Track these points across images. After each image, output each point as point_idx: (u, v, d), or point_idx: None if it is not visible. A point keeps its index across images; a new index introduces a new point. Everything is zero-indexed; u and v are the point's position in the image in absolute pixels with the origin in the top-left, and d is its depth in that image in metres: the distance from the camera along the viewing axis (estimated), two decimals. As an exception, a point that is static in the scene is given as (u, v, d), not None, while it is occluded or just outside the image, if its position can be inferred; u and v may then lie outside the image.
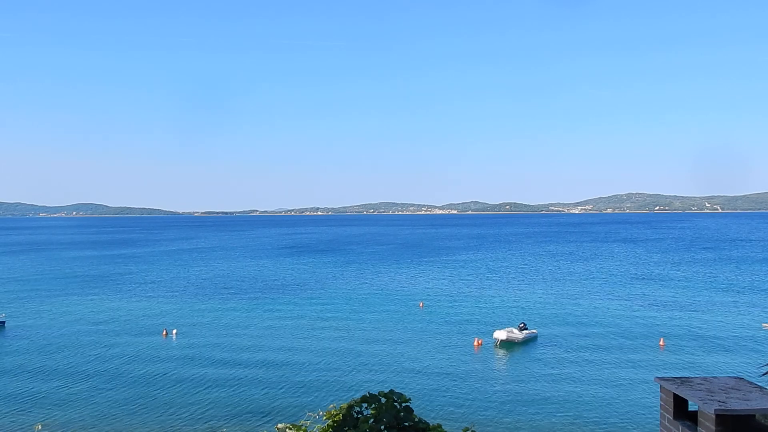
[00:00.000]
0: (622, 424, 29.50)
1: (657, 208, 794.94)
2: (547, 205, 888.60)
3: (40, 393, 35.10)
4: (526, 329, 47.24)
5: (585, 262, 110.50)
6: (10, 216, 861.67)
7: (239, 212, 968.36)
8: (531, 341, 46.47)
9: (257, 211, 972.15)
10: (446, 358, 42.16)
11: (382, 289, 76.74)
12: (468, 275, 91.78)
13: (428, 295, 70.90)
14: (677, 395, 5.25)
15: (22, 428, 29.34)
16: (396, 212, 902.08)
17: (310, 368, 39.82)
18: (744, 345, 45.10)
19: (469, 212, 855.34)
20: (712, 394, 5.00)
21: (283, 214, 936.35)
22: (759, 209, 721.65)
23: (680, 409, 5.32)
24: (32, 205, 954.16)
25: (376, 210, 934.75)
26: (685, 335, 48.34)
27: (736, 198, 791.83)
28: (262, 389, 35.41)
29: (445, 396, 33.82)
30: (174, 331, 50.77)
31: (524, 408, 31.87)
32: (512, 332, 46.30)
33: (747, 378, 5.59)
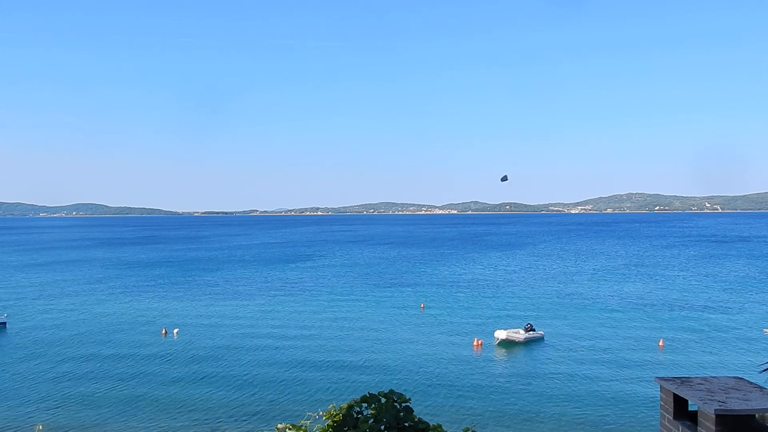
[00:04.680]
0: (622, 425, 29.51)
1: (657, 208, 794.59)
2: (547, 205, 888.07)
3: (41, 393, 35.10)
4: (533, 330, 47.13)
5: (585, 262, 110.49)
6: (10, 216, 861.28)
7: (239, 212, 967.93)
8: (532, 342, 46.39)
9: (257, 211, 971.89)
10: (446, 358, 42.15)
11: (381, 289, 76.73)
12: (469, 275, 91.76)
13: (429, 295, 70.90)
14: (677, 395, 5.25)
15: (22, 428, 29.34)
16: (396, 212, 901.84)
17: (310, 368, 39.82)
18: (744, 345, 45.10)
19: (469, 212, 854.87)
20: (712, 394, 5.00)
21: (283, 214, 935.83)
22: (759, 209, 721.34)
23: (680, 409, 5.32)
24: (32, 205, 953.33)
25: (376, 210, 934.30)
26: (685, 335, 48.35)
27: (736, 198, 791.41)
28: (262, 389, 35.41)
29: (445, 396, 33.81)
30: (175, 331, 50.78)
31: (524, 408, 31.87)
32: (513, 333, 46.25)
33: (747, 378, 5.60)
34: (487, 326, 51.34)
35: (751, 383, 5.36)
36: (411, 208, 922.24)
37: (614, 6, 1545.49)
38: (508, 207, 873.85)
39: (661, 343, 45.25)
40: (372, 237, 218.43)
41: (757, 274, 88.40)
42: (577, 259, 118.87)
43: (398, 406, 6.71)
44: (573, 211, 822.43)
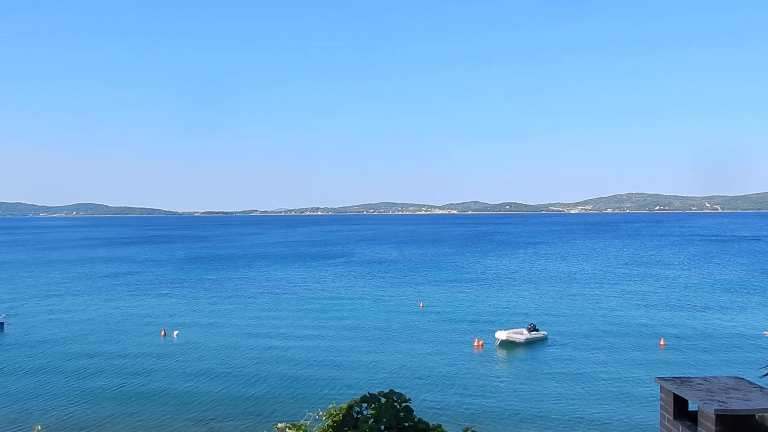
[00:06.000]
0: (622, 425, 29.50)
1: (657, 208, 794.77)
2: (547, 205, 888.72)
3: (40, 393, 35.09)
4: (536, 330, 47.08)
5: (587, 262, 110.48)
6: (10, 216, 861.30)
7: (239, 212, 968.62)
8: (534, 342, 46.31)
9: (257, 211, 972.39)
10: (447, 358, 42.15)
11: (382, 289, 76.71)
12: (470, 275, 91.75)
13: (430, 295, 70.88)
14: (677, 395, 5.25)
15: (21, 429, 29.34)
16: (396, 212, 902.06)
17: (309, 368, 39.80)
18: (744, 345, 45.09)
19: (469, 212, 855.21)
20: (712, 394, 5.00)
21: (283, 214, 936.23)
22: (759, 209, 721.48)
23: (680, 409, 5.32)
24: (32, 205, 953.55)
25: (376, 210, 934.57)
26: (686, 335, 48.34)
27: (736, 198, 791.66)
28: (262, 389, 35.41)
29: (445, 396, 33.81)
30: (175, 332, 50.70)
31: (524, 408, 31.87)
32: (514, 333, 46.17)
33: (747, 378, 5.59)
34: (489, 327, 51.32)
35: (751, 383, 5.36)
36: (411, 208, 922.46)
37: (614, 6, 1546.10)
38: (508, 207, 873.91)
39: (662, 343, 45.26)
40: (372, 237, 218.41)
41: (757, 275, 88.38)
42: (579, 258, 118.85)
43: (398, 406, 6.71)
44: (573, 211, 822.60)
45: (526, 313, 57.65)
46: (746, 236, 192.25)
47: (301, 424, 6.96)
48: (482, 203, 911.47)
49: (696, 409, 5.06)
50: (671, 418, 5.34)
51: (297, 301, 67.53)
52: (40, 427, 28.59)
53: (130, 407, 32.53)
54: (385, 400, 6.70)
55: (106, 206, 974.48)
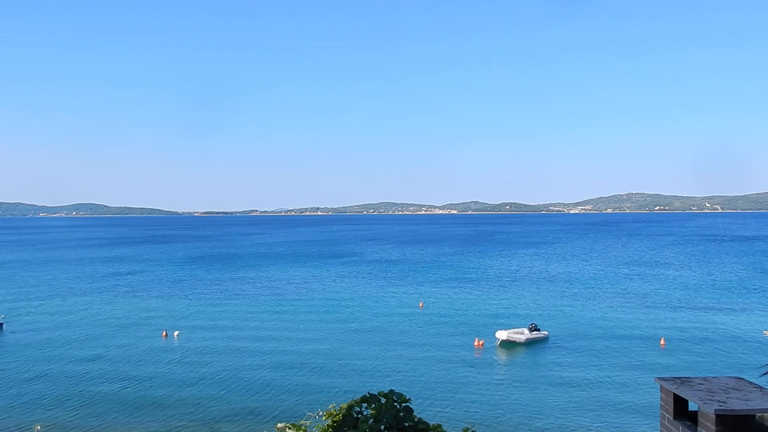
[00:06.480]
0: (622, 425, 29.50)
1: (657, 208, 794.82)
2: (547, 205, 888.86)
3: (40, 393, 35.09)
4: (537, 330, 47.07)
5: (588, 261, 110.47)
6: (9, 216, 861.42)
7: (239, 212, 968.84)
8: (534, 342, 46.30)
9: (257, 211, 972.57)
10: (447, 358, 42.14)
11: (382, 289, 76.70)
12: (470, 275, 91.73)
13: (429, 294, 70.87)
14: (677, 395, 5.25)
15: (21, 428, 29.35)
16: (396, 212, 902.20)
17: (310, 368, 39.82)
18: (744, 345, 45.10)
19: (469, 212, 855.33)
20: (712, 394, 5.00)
21: (283, 214, 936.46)
22: (759, 209, 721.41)
23: (680, 409, 5.32)
24: (32, 205, 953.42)
25: (376, 210, 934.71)
26: (686, 335, 48.35)
27: (736, 198, 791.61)
28: (262, 389, 35.42)
29: (445, 396, 33.81)
30: (176, 333, 50.70)
31: (524, 408, 31.87)
32: (514, 333, 46.16)
33: (747, 378, 5.59)
34: (489, 326, 51.31)
35: (751, 383, 5.36)
36: (411, 208, 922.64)
37: (614, 6, 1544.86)
38: (508, 207, 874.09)
39: (662, 342, 45.27)
40: (372, 237, 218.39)
41: (757, 275, 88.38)
42: (580, 258, 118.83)
43: (398, 406, 6.71)
44: (573, 211, 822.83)
45: (527, 313, 57.65)
46: (746, 236, 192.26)
47: (301, 424, 6.95)
48: (482, 203, 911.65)
49: (696, 409, 5.06)
50: (671, 418, 5.34)
51: (297, 301, 67.52)
52: (39, 427, 28.61)
53: (130, 407, 32.52)
54: (385, 400, 6.70)
55: (106, 206, 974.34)
